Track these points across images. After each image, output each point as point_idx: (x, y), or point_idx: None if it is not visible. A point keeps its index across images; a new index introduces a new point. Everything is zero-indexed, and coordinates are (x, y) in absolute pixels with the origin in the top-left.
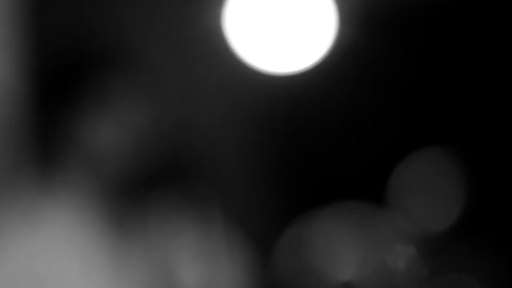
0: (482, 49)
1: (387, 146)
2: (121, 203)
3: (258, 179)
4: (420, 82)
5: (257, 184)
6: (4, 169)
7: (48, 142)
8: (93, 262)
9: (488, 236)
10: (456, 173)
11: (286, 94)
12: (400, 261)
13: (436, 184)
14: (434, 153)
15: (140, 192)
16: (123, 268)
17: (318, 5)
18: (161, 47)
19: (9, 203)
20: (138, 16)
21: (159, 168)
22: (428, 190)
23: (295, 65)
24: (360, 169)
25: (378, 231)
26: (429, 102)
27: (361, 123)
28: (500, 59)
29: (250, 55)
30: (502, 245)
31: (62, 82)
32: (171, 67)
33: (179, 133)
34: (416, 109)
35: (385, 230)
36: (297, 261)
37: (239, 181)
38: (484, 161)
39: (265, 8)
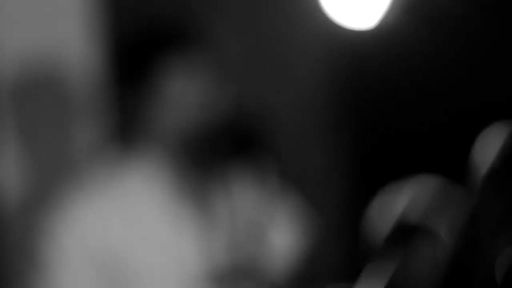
0: None
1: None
2: (192, 170)
3: (328, 144)
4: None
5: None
6: (87, 142)
7: (125, 116)
8: (173, 221)
9: None
10: None
11: (357, 51)
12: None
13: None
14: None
15: (210, 159)
16: (202, 229)
17: None
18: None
19: (92, 172)
20: None
21: (227, 134)
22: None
23: (364, 22)
24: (431, 136)
25: (452, 202)
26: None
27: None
28: None
29: (332, 11)
30: None
31: (137, 59)
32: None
33: (246, 97)
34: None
35: (459, 201)
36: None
37: (307, 149)
38: None
39: None
